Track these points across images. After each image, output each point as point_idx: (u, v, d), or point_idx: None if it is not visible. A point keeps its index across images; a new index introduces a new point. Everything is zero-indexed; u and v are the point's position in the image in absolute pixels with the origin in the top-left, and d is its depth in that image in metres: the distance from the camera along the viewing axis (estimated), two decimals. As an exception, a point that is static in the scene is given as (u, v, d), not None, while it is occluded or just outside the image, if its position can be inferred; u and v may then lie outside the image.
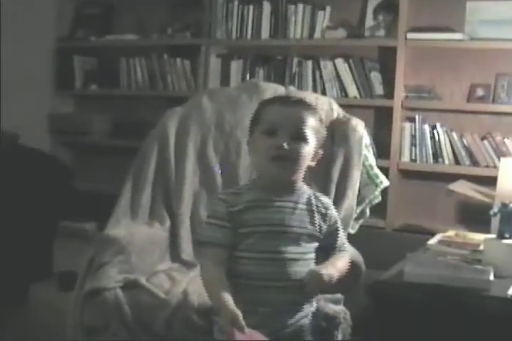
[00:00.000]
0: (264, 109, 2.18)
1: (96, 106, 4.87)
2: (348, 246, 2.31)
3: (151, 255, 2.82)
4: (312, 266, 2.13)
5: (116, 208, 2.98)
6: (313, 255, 2.16)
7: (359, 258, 2.69)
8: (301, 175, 2.16)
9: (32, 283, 3.43)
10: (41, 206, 3.79)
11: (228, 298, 2.00)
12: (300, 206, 2.15)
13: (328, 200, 2.26)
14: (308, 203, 2.17)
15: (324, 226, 2.18)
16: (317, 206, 2.18)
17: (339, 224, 2.23)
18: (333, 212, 2.22)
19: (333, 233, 2.21)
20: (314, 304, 2.20)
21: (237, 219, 2.10)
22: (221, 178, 3.08)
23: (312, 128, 2.13)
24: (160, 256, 2.86)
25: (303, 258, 2.12)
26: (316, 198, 2.20)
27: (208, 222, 2.16)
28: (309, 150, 2.13)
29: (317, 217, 2.17)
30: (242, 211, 2.11)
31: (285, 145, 2.07)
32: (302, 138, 2.11)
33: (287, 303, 2.10)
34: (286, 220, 2.12)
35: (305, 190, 2.20)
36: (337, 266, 2.12)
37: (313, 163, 2.18)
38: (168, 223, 2.97)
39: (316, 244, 2.17)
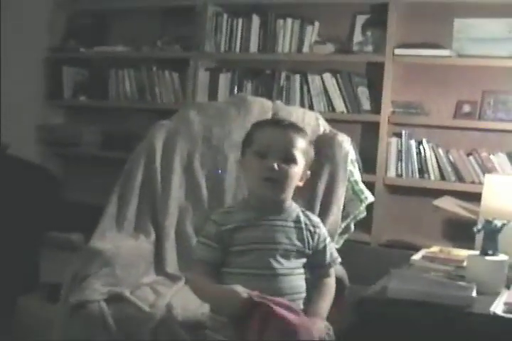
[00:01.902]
0: (256, 131, 2.29)
1: (85, 117, 4.87)
2: (339, 260, 2.40)
3: (136, 268, 2.82)
4: (302, 281, 2.26)
5: (102, 220, 2.98)
6: (302, 270, 2.28)
7: (343, 273, 2.71)
8: (290, 194, 2.28)
9: (19, 294, 3.43)
10: (28, 216, 3.78)
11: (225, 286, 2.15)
12: (289, 224, 2.27)
13: (317, 219, 2.37)
14: (297, 221, 2.29)
15: (313, 244, 2.29)
16: (305, 224, 2.29)
17: (328, 242, 2.34)
18: (322, 230, 2.34)
19: (322, 250, 2.32)
20: None
21: (228, 239, 2.23)
22: (207, 192, 3.09)
23: (301, 151, 2.24)
24: (145, 269, 2.86)
25: (293, 274, 2.24)
26: (306, 216, 2.32)
27: (198, 240, 2.31)
28: (298, 171, 2.24)
29: (305, 234, 2.28)
30: (234, 230, 2.23)
31: (275, 166, 2.18)
32: (292, 160, 2.22)
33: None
34: (276, 238, 2.24)
35: (294, 209, 2.31)
36: (325, 308, 2.28)
37: (301, 183, 2.29)
38: (153, 236, 2.97)
39: (304, 260, 2.28)
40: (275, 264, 2.20)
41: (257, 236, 2.22)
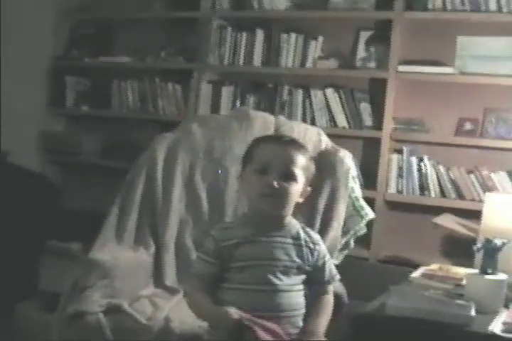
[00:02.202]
0: (257, 147, 2.30)
1: (87, 126, 4.87)
2: (337, 277, 2.39)
3: (135, 280, 2.82)
4: (301, 297, 2.26)
5: (102, 231, 2.98)
6: (301, 286, 2.28)
7: (341, 290, 2.71)
8: (289, 211, 2.28)
9: (17, 301, 3.42)
10: (28, 224, 3.79)
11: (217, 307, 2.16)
12: (288, 240, 2.27)
13: (317, 236, 2.37)
14: (297, 237, 2.29)
15: (312, 260, 2.29)
16: (305, 241, 2.29)
17: (327, 259, 2.34)
18: (321, 247, 2.33)
19: (321, 267, 2.32)
20: None
21: (227, 255, 2.23)
22: (207, 205, 3.09)
23: (302, 167, 2.25)
24: (144, 281, 2.86)
25: (292, 290, 2.24)
26: (306, 233, 2.32)
27: (197, 255, 2.32)
28: (298, 188, 2.24)
29: (305, 251, 2.28)
30: (233, 246, 2.23)
31: (275, 183, 2.19)
32: (292, 177, 2.22)
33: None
34: (275, 254, 2.23)
35: (294, 225, 2.31)
36: (322, 326, 2.27)
37: (301, 200, 2.29)
38: (153, 248, 2.97)
39: (303, 276, 2.28)
40: (275, 280, 2.20)
41: (256, 253, 2.22)
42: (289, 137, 2.43)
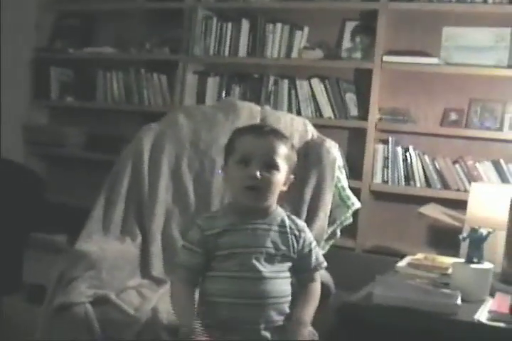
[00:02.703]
0: (237, 138, 2.27)
1: (71, 118, 4.85)
2: (324, 264, 2.38)
3: (122, 271, 2.82)
4: (287, 285, 2.24)
5: (88, 223, 2.98)
6: (288, 274, 2.27)
7: (328, 279, 2.71)
8: (274, 200, 2.27)
9: (2, 295, 3.41)
10: (12, 217, 3.76)
11: (190, 314, 2.16)
12: (274, 228, 2.25)
13: (302, 223, 2.35)
14: (282, 225, 2.27)
15: (298, 247, 2.28)
16: (291, 228, 2.28)
17: (313, 246, 2.32)
18: (307, 234, 2.32)
19: (307, 255, 2.30)
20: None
21: (213, 243, 2.22)
22: (194, 196, 3.09)
23: (284, 156, 2.23)
24: (130, 272, 2.86)
25: (278, 277, 2.23)
26: (291, 220, 2.31)
27: (183, 245, 2.30)
28: (281, 177, 2.23)
29: (290, 238, 2.27)
30: (218, 235, 2.22)
31: (258, 175, 2.17)
32: (274, 167, 2.21)
33: (264, 321, 2.19)
34: (260, 242, 2.22)
35: (279, 213, 2.30)
36: (309, 314, 2.27)
37: (285, 188, 2.28)
38: (139, 239, 2.97)
39: (289, 264, 2.27)
40: (259, 267, 2.19)
41: (240, 241, 2.21)
42: (270, 127, 2.40)
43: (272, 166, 2.20)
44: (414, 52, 3.91)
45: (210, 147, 3.14)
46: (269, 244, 2.22)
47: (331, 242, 3.09)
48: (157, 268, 2.92)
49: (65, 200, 4.43)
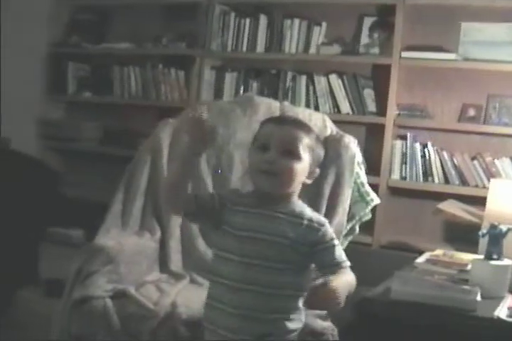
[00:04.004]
0: (261, 127, 2.23)
1: (87, 113, 4.86)
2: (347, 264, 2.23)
3: (140, 265, 2.83)
4: (293, 278, 2.13)
5: (107, 217, 2.99)
6: (294, 267, 2.14)
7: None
8: (294, 189, 2.18)
9: (18, 289, 3.42)
10: (28, 211, 3.78)
11: None
12: (290, 218, 2.16)
13: (323, 219, 2.25)
14: (300, 216, 2.17)
15: (314, 239, 2.16)
16: (309, 220, 2.17)
17: (336, 242, 2.21)
18: (327, 229, 2.20)
19: (329, 250, 2.18)
20: (303, 319, 2.20)
21: (223, 215, 2.15)
22: (212, 191, 3.08)
23: (306, 146, 2.16)
24: (149, 266, 2.87)
25: (284, 268, 2.12)
26: (312, 213, 2.22)
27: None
28: (302, 167, 2.16)
29: (307, 232, 2.16)
30: (232, 211, 2.16)
31: (274, 160, 2.12)
32: (293, 155, 2.14)
33: (264, 310, 2.10)
34: (270, 228, 2.13)
35: (299, 204, 2.22)
36: (346, 282, 2.07)
37: (309, 181, 2.20)
38: (158, 234, 2.98)
39: (299, 258, 2.15)
40: (264, 255, 2.09)
41: (250, 224, 2.14)
42: (295, 117, 2.38)
43: (291, 154, 2.13)
44: (432, 48, 3.89)
45: (228, 142, 3.14)
46: (279, 233, 2.13)
47: (350, 238, 3.08)
48: (176, 262, 2.92)
49: (81, 195, 4.43)
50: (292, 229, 2.14)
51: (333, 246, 2.19)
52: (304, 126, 2.23)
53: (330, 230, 2.22)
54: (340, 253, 2.19)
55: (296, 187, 2.19)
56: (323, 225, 2.20)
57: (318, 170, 2.22)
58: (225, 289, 2.11)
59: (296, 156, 2.14)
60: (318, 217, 2.23)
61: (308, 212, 2.21)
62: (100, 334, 2.54)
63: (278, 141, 2.14)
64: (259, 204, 2.17)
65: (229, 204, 2.16)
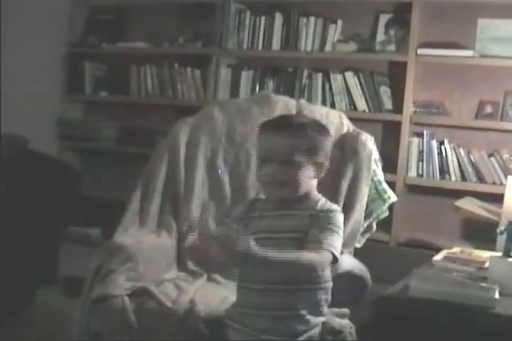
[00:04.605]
0: (258, 135, 2.26)
1: (105, 112, 4.88)
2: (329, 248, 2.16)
3: (158, 263, 2.83)
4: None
5: (125, 216, 2.99)
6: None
7: (365, 273, 2.70)
8: (305, 189, 2.21)
9: (37, 287, 3.44)
10: (48, 210, 3.80)
11: None
12: (301, 212, 2.20)
13: (335, 206, 2.25)
14: (311, 208, 2.20)
15: (318, 224, 2.17)
16: (320, 210, 2.20)
17: (336, 229, 2.17)
18: (335, 216, 2.20)
19: (321, 230, 2.16)
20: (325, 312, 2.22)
21: (253, 225, 2.22)
22: (230, 189, 3.09)
23: (305, 150, 2.17)
24: (167, 265, 2.87)
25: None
26: (326, 203, 2.24)
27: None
28: (306, 170, 2.18)
29: (315, 220, 2.18)
30: (249, 218, 2.25)
31: (275, 172, 2.16)
32: (293, 163, 2.16)
33: (291, 307, 2.14)
34: (280, 227, 2.18)
35: (315, 198, 2.24)
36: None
37: (321, 175, 2.24)
38: (175, 232, 2.98)
39: None
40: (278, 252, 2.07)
41: (267, 225, 2.20)
42: (288, 120, 2.32)
43: (291, 162, 2.16)
44: (449, 45, 3.88)
45: (246, 140, 3.14)
46: (287, 228, 2.17)
47: (367, 235, 3.08)
48: (193, 261, 2.93)
49: (99, 194, 4.46)
50: (302, 222, 2.17)
51: (329, 229, 2.16)
52: (299, 129, 2.21)
53: (338, 217, 2.21)
54: (332, 239, 2.14)
55: (307, 187, 2.21)
56: (331, 211, 2.20)
57: (327, 163, 2.24)
58: (248, 292, 2.17)
59: (295, 163, 2.17)
60: (331, 205, 2.24)
61: (321, 203, 2.22)
62: (119, 333, 2.54)
63: (275, 154, 2.17)
64: (275, 207, 2.23)
65: (253, 215, 2.23)
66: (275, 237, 2.16)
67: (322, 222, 2.16)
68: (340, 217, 2.21)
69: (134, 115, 4.73)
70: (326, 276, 2.21)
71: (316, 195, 2.25)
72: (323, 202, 2.23)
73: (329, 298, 2.23)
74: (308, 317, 2.16)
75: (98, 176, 4.72)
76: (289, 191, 2.19)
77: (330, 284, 2.23)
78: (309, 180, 2.21)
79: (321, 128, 2.26)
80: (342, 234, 2.19)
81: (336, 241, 2.14)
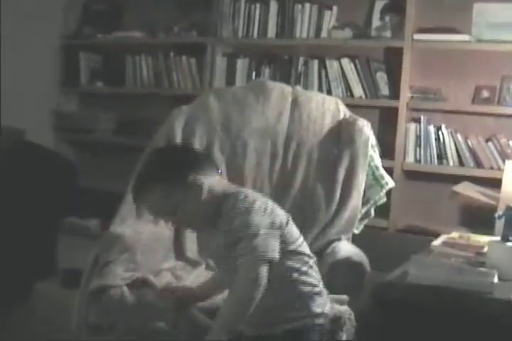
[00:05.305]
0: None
1: (101, 103, 4.88)
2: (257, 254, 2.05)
3: (156, 253, 2.83)
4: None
5: (122, 206, 2.98)
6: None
7: (363, 259, 2.69)
8: (200, 215, 2.18)
9: (36, 280, 3.44)
10: (45, 202, 3.79)
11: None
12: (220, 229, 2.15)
13: (241, 209, 2.11)
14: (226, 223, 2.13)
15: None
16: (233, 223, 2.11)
17: (248, 231, 2.07)
18: (242, 218, 2.09)
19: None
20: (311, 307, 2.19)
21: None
22: (226, 178, 3.08)
23: (162, 199, 2.16)
24: (165, 254, 2.86)
25: None
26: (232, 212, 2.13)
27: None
28: (179, 212, 2.16)
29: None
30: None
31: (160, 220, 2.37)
32: (166, 214, 2.22)
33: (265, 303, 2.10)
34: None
35: (220, 212, 2.15)
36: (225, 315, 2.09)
37: (204, 193, 2.16)
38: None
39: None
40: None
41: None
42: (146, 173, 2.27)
43: (162, 213, 2.22)
44: (445, 30, 3.87)
45: (242, 129, 3.13)
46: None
47: (365, 222, 3.07)
48: (191, 249, 2.92)
49: (96, 185, 4.45)
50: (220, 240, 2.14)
51: (245, 237, 2.07)
52: (150, 180, 2.18)
53: (246, 219, 2.09)
54: (250, 245, 2.05)
55: (200, 212, 2.17)
56: (236, 216, 2.10)
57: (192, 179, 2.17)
58: None
59: (167, 214, 2.20)
60: (237, 210, 2.11)
61: (226, 216, 2.13)
62: (118, 323, 2.54)
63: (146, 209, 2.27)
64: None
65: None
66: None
67: (235, 235, 2.08)
68: (251, 216, 2.08)
69: (130, 106, 4.73)
70: (283, 271, 2.14)
71: (218, 209, 2.14)
72: (229, 211, 2.11)
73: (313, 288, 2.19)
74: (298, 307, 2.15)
75: (94, 168, 4.71)
76: (189, 226, 2.30)
77: (299, 276, 2.16)
78: (193, 214, 2.17)
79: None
80: (266, 229, 2.08)
81: (257, 244, 2.04)
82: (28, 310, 3.36)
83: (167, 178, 2.16)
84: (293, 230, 2.18)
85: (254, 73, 4.31)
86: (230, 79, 4.36)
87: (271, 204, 2.15)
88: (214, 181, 2.19)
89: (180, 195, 2.15)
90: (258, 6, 4.27)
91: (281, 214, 2.15)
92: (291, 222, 2.18)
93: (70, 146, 4.89)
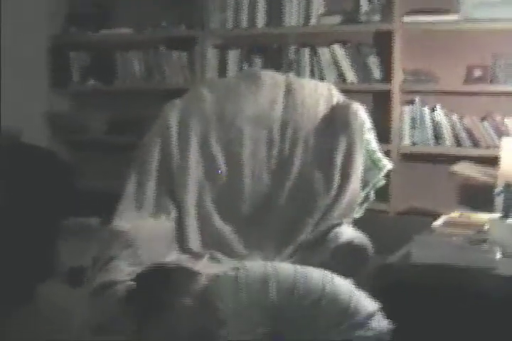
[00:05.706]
0: None
1: (93, 103, 4.86)
2: None
3: (158, 247, 2.83)
4: None
5: (121, 201, 2.99)
6: None
7: (366, 242, 2.70)
8: None
9: (37, 281, 3.44)
10: (44, 203, 3.79)
11: None
12: None
13: None
14: None
15: None
16: None
17: None
18: None
19: None
20: None
21: None
22: (225, 167, 3.09)
23: None
24: (167, 247, 2.87)
25: None
26: None
27: None
28: None
29: None
30: None
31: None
32: None
33: None
34: None
35: None
36: None
37: None
38: (173, 214, 2.98)
39: None
40: None
41: None
42: None
43: None
44: (433, 11, 3.85)
45: (236, 117, 3.13)
46: None
47: (365, 205, 3.08)
48: (194, 241, 2.93)
49: (91, 185, 4.44)
50: None
51: None
52: None
53: None
54: None
55: None
56: None
57: None
58: None
59: None
60: None
61: None
62: (124, 318, 2.54)
63: None
64: None
65: None
66: None
67: None
68: None
69: (122, 103, 4.71)
70: None
71: None
72: None
73: None
74: None
75: (89, 167, 4.70)
76: None
77: None
78: None
79: None
80: None
81: None
82: (33, 309, 3.36)
83: None
84: None
85: (245, 63, 4.29)
86: (222, 71, 4.34)
87: None
88: None
89: None
90: (245, -5, 4.27)
91: None
92: None
93: (64, 146, 4.87)
